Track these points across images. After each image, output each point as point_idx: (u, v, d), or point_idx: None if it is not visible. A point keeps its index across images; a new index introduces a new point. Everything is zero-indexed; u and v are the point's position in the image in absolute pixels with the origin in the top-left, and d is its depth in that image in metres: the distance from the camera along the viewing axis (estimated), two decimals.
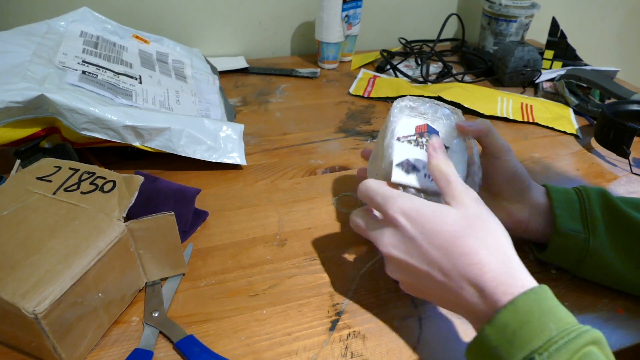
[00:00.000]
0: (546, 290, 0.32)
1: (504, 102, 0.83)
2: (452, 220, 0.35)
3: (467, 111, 0.79)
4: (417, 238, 0.35)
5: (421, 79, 0.90)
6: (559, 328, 0.29)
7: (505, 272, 0.33)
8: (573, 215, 0.45)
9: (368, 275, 0.47)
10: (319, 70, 0.93)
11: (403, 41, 1.04)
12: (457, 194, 0.36)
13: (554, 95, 0.87)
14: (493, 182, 0.47)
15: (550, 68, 0.96)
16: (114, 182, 0.42)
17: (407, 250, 0.36)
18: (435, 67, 0.98)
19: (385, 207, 0.37)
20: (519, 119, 0.79)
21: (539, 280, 0.48)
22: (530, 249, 0.50)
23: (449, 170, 0.38)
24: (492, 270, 0.33)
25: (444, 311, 0.44)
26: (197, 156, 0.60)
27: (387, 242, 0.37)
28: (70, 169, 0.44)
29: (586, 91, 0.88)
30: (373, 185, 0.39)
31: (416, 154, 0.41)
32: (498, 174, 0.46)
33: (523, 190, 0.47)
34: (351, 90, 0.86)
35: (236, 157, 0.62)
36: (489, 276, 0.32)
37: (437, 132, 0.43)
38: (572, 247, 0.45)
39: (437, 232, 0.35)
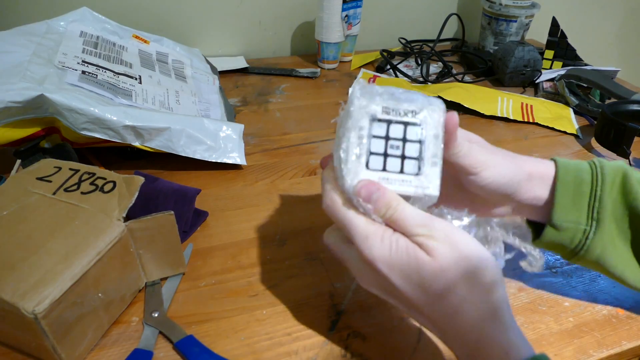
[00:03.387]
0: None
1: (504, 102, 0.83)
2: (432, 274, 0.30)
3: (467, 111, 0.79)
4: (398, 286, 0.31)
5: (421, 79, 0.90)
6: None
7: (493, 334, 0.30)
8: (577, 203, 0.39)
9: None
10: (319, 70, 0.93)
11: (403, 41, 1.04)
12: (424, 237, 0.31)
13: (554, 95, 0.87)
14: (476, 194, 0.39)
15: (550, 68, 0.96)
16: (114, 183, 0.42)
17: (390, 293, 0.33)
18: (435, 67, 0.98)
19: (361, 249, 0.31)
20: (519, 119, 0.79)
21: (539, 277, 0.48)
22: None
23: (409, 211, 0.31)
24: (474, 331, 0.30)
25: None
26: (197, 156, 0.60)
27: (367, 281, 0.33)
28: (70, 169, 0.44)
29: (586, 91, 0.88)
30: (343, 215, 0.32)
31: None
32: (477, 190, 0.38)
33: (511, 195, 0.39)
34: None
35: (236, 157, 0.62)
36: (471, 340, 0.30)
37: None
38: (568, 239, 0.40)
39: (418, 284, 0.31)
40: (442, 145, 0.33)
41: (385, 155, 0.32)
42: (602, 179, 0.39)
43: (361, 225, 0.32)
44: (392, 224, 0.32)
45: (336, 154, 0.33)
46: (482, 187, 0.37)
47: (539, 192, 0.40)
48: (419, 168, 0.32)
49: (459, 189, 0.40)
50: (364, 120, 0.32)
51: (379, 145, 0.32)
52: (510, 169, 0.38)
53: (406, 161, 0.32)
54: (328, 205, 0.33)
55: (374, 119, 0.32)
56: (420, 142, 0.32)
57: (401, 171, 0.32)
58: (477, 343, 0.30)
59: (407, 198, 0.32)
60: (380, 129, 0.32)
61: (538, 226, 0.42)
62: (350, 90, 0.33)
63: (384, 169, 0.32)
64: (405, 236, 0.31)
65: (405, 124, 0.33)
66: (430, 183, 0.32)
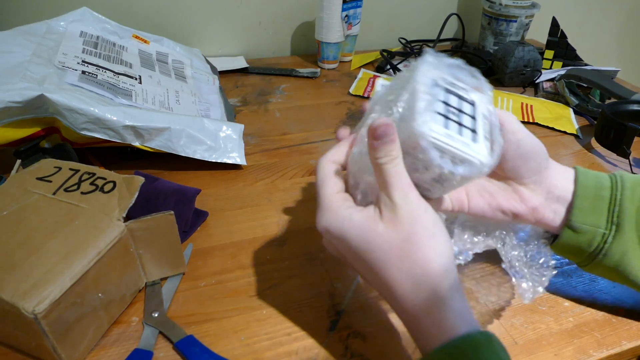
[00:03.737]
0: (478, 345, 0.29)
1: (504, 102, 0.83)
2: (377, 244, 0.31)
3: None
4: (345, 256, 0.34)
5: None
6: None
7: (428, 313, 0.30)
8: (597, 206, 0.39)
9: None
10: (319, 70, 0.93)
11: (403, 41, 1.04)
12: (392, 203, 0.31)
13: (554, 95, 0.87)
14: (503, 160, 0.39)
15: (550, 68, 0.96)
16: (114, 183, 0.42)
17: (339, 255, 0.35)
18: None
19: (317, 215, 0.34)
20: (519, 119, 0.78)
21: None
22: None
23: (392, 169, 0.31)
24: (413, 308, 0.31)
25: None
26: (197, 156, 0.60)
27: (325, 239, 0.36)
28: (70, 169, 0.44)
29: (586, 91, 0.88)
30: (320, 176, 0.35)
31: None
32: (509, 148, 0.38)
33: (540, 170, 0.39)
34: (351, 90, 0.86)
35: (236, 157, 0.62)
36: (408, 315, 0.31)
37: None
38: (586, 243, 0.39)
39: (362, 257, 0.32)
40: (491, 126, 0.34)
41: (446, 117, 0.32)
42: (622, 186, 0.39)
43: (323, 192, 0.34)
44: (378, 175, 0.32)
45: (393, 101, 0.33)
46: (524, 154, 0.38)
47: (567, 184, 0.40)
48: (474, 137, 0.32)
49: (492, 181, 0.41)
50: (428, 82, 0.32)
51: (440, 107, 0.32)
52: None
53: (463, 128, 0.32)
54: (319, 162, 0.36)
55: (436, 84, 0.33)
56: (473, 117, 0.33)
57: (459, 134, 0.32)
58: (414, 323, 0.31)
59: (459, 160, 0.31)
60: (440, 95, 0.32)
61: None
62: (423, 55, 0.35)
63: (446, 128, 0.31)
64: (378, 192, 0.32)
65: (460, 98, 0.33)
66: (486, 153, 0.32)
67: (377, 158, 0.31)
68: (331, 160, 0.35)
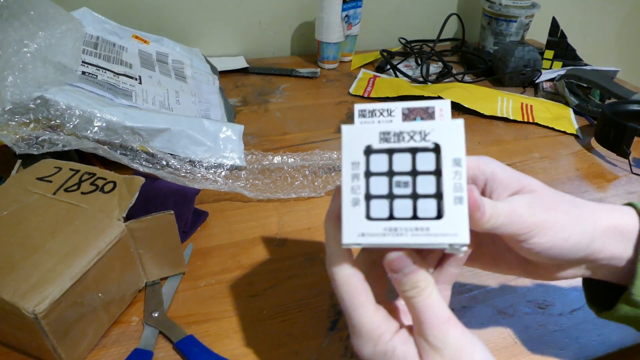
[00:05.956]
0: None
1: (504, 102, 0.83)
2: None
3: (467, 111, 0.79)
4: None
5: (421, 79, 0.90)
6: None
7: None
8: None
9: None
10: (319, 70, 0.93)
11: (403, 41, 1.04)
12: (430, 347, 0.25)
13: (554, 95, 0.87)
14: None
15: (550, 68, 0.96)
16: (115, 183, 0.42)
17: None
18: (435, 67, 0.98)
19: (352, 341, 0.27)
20: (519, 119, 0.79)
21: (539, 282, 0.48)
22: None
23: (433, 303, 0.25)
24: None
25: None
26: (197, 157, 0.59)
27: None
28: (70, 169, 0.44)
29: (586, 91, 0.88)
30: (343, 292, 0.27)
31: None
32: (532, 257, 0.31)
33: (580, 260, 0.31)
34: (351, 90, 0.86)
35: (235, 158, 0.62)
36: None
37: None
38: None
39: None
40: (465, 173, 0.25)
41: (391, 197, 0.25)
42: None
43: (357, 316, 0.26)
44: (409, 309, 0.26)
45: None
46: (537, 254, 0.30)
47: (618, 250, 0.31)
48: (439, 209, 0.25)
49: (507, 247, 0.32)
50: (357, 154, 0.25)
51: (380, 185, 0.25)
52: (578, 228, 0.29)
53: (420, 201, 0.25)
54: (328, 269, 0.28)
55: (370, 151, 0.26)
56: (436, 172, 0.25)
57: (414, 216, 0.25)
58: None
59: (426, 251, 0.27)
60: (379, 163, 0.26)
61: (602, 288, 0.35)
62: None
63: (391, 217, 0.25)
64: (413, 334, 0.27)
65: (414, 150, 0.25)
66: (457, 228, 0.24)
67: (403, 292, 0.26)
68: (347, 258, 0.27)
